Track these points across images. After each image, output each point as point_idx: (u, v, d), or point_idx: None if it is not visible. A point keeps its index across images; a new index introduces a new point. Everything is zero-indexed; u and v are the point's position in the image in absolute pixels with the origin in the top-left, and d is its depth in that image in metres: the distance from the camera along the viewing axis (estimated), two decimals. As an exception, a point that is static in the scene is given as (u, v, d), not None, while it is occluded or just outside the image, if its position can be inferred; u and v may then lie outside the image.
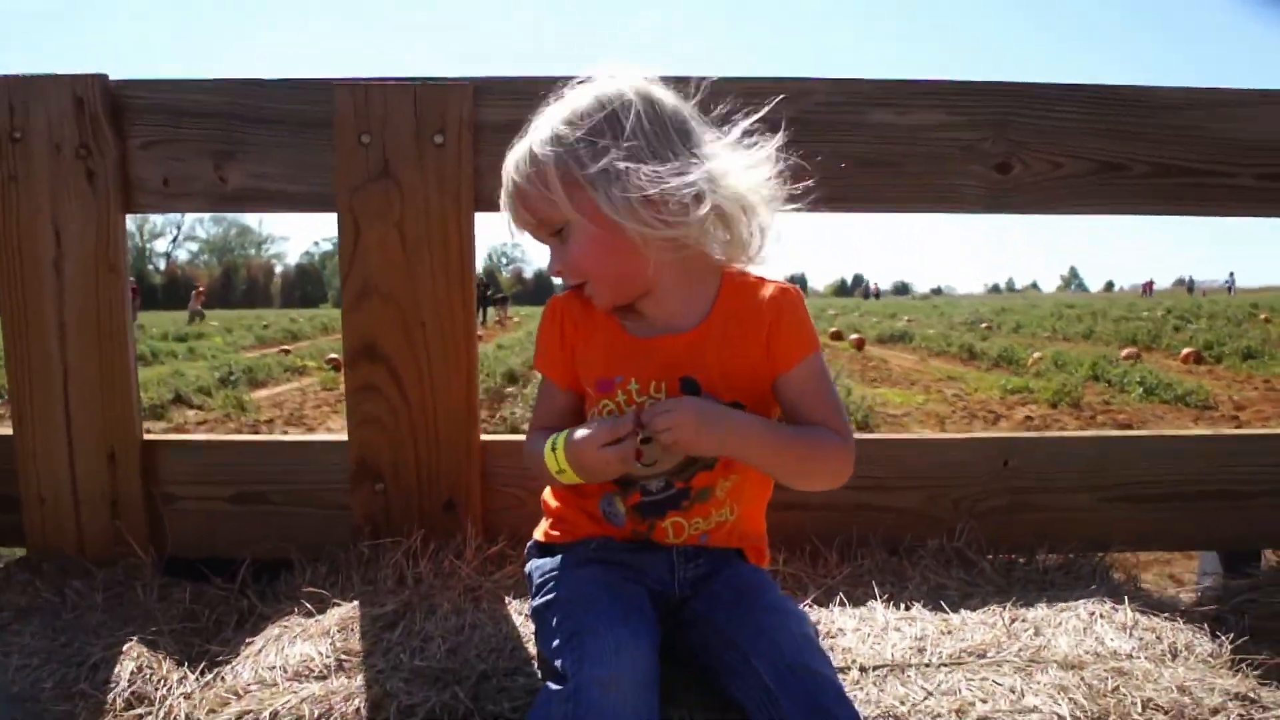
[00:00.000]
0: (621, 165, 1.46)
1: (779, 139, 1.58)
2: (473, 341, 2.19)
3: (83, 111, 2.17)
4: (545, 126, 1.53)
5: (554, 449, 1.53)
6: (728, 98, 1.59)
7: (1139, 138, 2.23)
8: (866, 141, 2.20)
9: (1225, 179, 2.25)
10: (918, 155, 2.21)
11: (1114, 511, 2.33)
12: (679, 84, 1.61)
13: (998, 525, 2.30)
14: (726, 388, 1.59)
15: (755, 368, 1.61)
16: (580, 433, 1.52)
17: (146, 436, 2.31)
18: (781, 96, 1.70)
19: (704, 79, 1.65)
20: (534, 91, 2.07)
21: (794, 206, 1.64)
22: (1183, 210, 2.29)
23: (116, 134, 2.19)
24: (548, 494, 1.78)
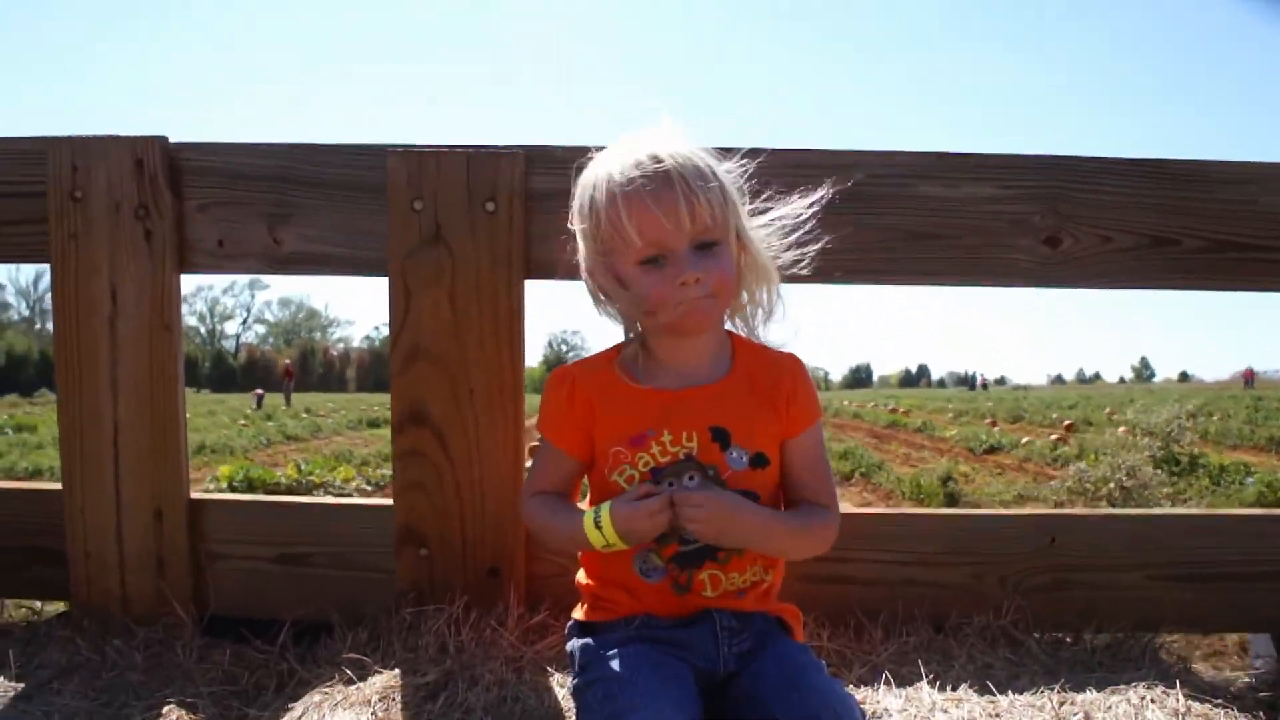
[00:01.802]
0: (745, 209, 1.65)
1: (799, 208, 1.73)
2: (520, 408, 2.19)
3: (142, 172, 2.21)
4: (693, 149, 1.58)
5: (598, 524, 1.55)
6: (776, 168, 1.62)
7: (1191, 212, 2.22)
8: (915, 214, 2.20)
9: (1278, 254, 2.23)
10: (966, 228, 2.21)
11: (1163, 591, 2.28)
12: (727, 153, 1.69)
13: (1044, 603, 2.26)
14: (749, 441, 1.64)
15: (770, 428, 1.68)
16: (626, 508, 1.55)
17: (193, 495, 2.32)
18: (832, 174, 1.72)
19: (757, 149, 1.70)
20: (586, 161, 2.10)
21: (845, 279, 1.70)
22: (1236, 286, 2.27)
23: (174, 195, 2.23)
24: (582, 575, 1.79)
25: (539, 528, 1.75)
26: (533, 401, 2.08)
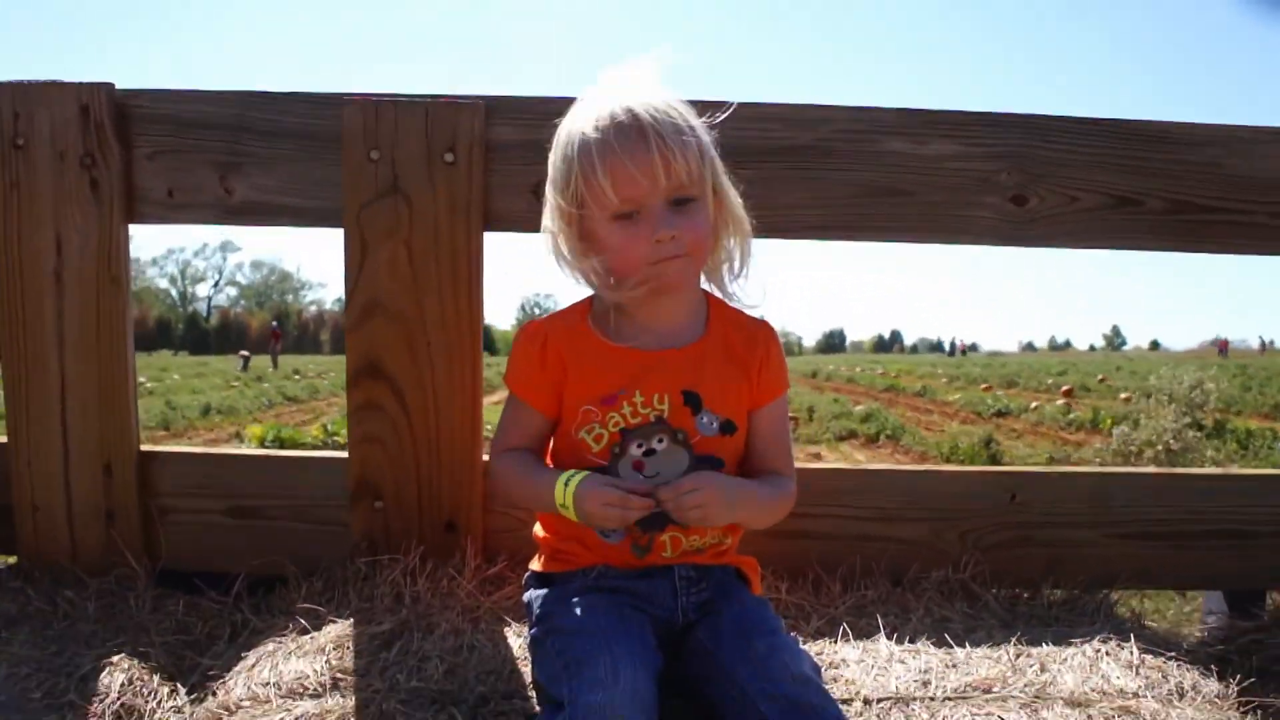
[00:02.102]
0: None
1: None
2: (478, 361, 2.17)
3: (88, 120, 2.15)
4: (669, 103, 1.54)
5: (566, 485, 1.54)
6: (745, 121, 1.59)
7: (1156, 173, 2.23)
8: (883, 170, 2.19)
9: (1241, 216, 2.24)
10: (934, 185, 2.21)
11: (1120, 548, 2.31)
12: (704, 108, 1.64)
13: (1003, 559, 2.28)
14: (720, 406, 1.64)
15: (741, 394, 1.68)
16: (597, 487, 1.53)
17: (143, 448, 2.28)
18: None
19: (725, 103, 1.67)
20: (546, 111, 2.07)
21: (808, 234, 1.68)
22: (1198, 248, 2.28)
23: (122, 143, 2.17)
24: (539, 528, 1.77)
25: (510, 484, 1.72)
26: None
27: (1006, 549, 2.29)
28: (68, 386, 2.21)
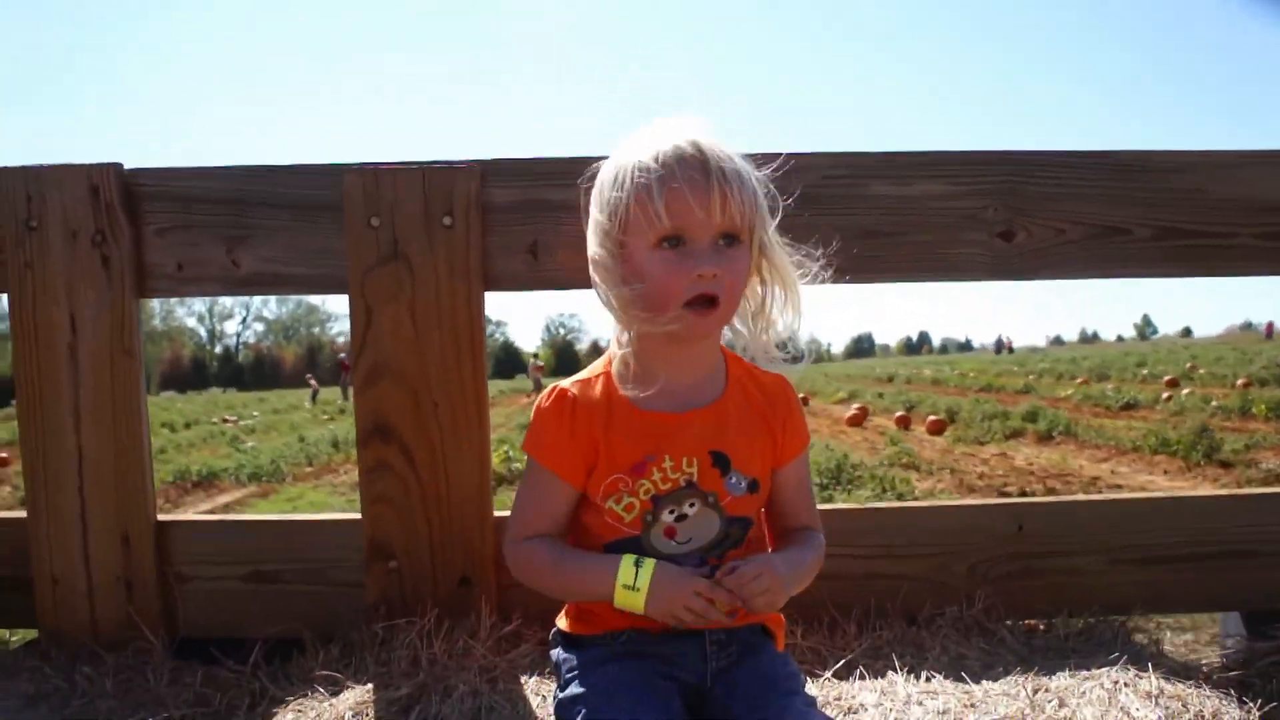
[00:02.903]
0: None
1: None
2: (485, 419, 2.20)
3: (98, 199, 2.21)
4: (727, 150, 1.52)
5: (638, 565, 1.50)
6: (756, 169, 1.60)
7: (1140, 202, 2.26)
8: (869, 214, 2.22)
9: (1226, 240, 2.27)
10: (921, 225, 2.24)
11: (1132, 574, 2.31)
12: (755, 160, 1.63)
13: (1015, 591, 2.28)
14: (746, 465, 1.61)
15: (765, 451, 1.65)
16: (674, 574, 1.50)
17: (160, 517, 2.31)
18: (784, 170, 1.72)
19: (775, 155, 1.68)
20: (540, 171, 2.12)
21: (802, 281, 1.67)
22: (1186, 272, 2.31)
23: (131, 221, 2.23)
24: None
25: (540, 573, 1.63)
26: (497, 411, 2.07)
27: (1017, 580, 2.29)
28: (84, 458, 2.24)
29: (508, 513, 1.99)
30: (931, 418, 14.02)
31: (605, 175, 1.57)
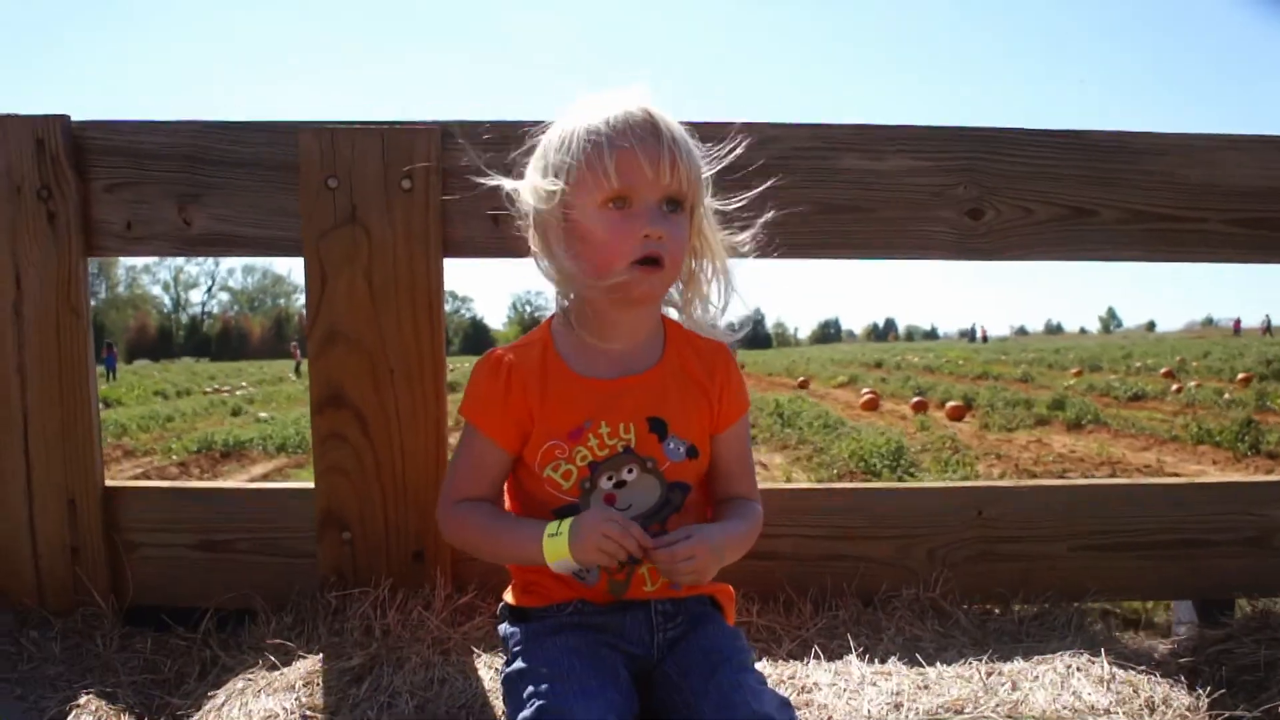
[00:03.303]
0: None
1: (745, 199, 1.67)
2: (442, 388, 2.16)
3: (44, 153, 2.13)
4: (671, 119, 1.52)
5: (556, 535, 1.49)
6: (698, 142, 1.58)
7: (1111, 183, 2.24)
8: (838, 187, 2.19)
9: (1195, 224, 2.26)
10: (890, 201, 2.21)
11: (1089, 561, 2.32)
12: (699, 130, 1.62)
13: (972, 575, 2.28)
14: (685, 430, 1.61)
15: (702, 417, 1.65)
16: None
17: (108, 483, 2.26)
18: (750, 140, 1.69)
19: (729, 124, 1.69)
20: (504, 135, 2.06)
21: (761, 254, 1.66)
22: (1155, 257, 2.30)
23: (79, 176, 2.15)
24: None
25: (471, 538, 1.64)
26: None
27: (975, 564, 2.29)
28: (30, 420, 2.19)
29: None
30: (951, 404, 14.13)
31: (551, 138, 1.56)
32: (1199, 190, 2.25)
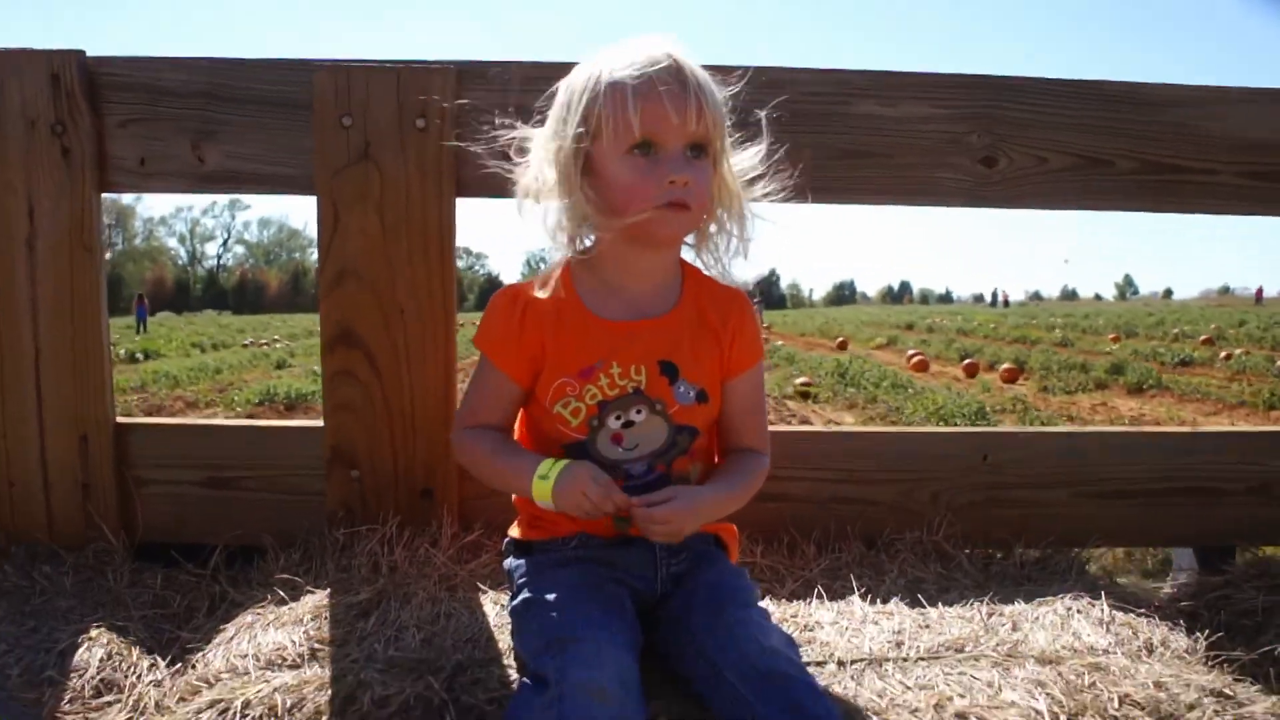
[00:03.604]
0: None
1: (761, 144, 1.65)
2: (452, 328, 2.17)
3: (59, 88, 2.13)
4: (696, 68, 1.52)
5: (545, 478, 1.51)
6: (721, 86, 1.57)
7: (1124, 134, 2.24)
8: (851, 133, 2.19)
9: (1208, 176, 2.26)
10: (903, 147, 2.21)
11: (1091, 507, 2.34)
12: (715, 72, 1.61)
13: (976, 520, 2.30)
14: (696, 375, 1.63)
15: (715, 364, 1.66)
16: (580, 472, 1.50)
17: (119, 419, 2.28)
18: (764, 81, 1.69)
19: (741, 69, 1.66)
20: (520, 75, 2.05)
21: (777, 197, 1.66)
22: (1166, 208, 2.30)
23: (93, 111, 2.15)
24: None
25: (477, 462, 1.68)
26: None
27: (979, 509, 2.31)
28: (42, 356, 2.20)
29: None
30: (1004, 366, 14.19)
31: (574, 83, 1.55)
32: (1211, 142, 2.25)
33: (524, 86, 2.07)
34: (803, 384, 12.20)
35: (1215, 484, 2.36)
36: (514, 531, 1.74)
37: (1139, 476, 2.35)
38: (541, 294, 1.62)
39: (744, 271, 1.69)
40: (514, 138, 1.65)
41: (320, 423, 2.22)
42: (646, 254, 1.60)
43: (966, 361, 15.14)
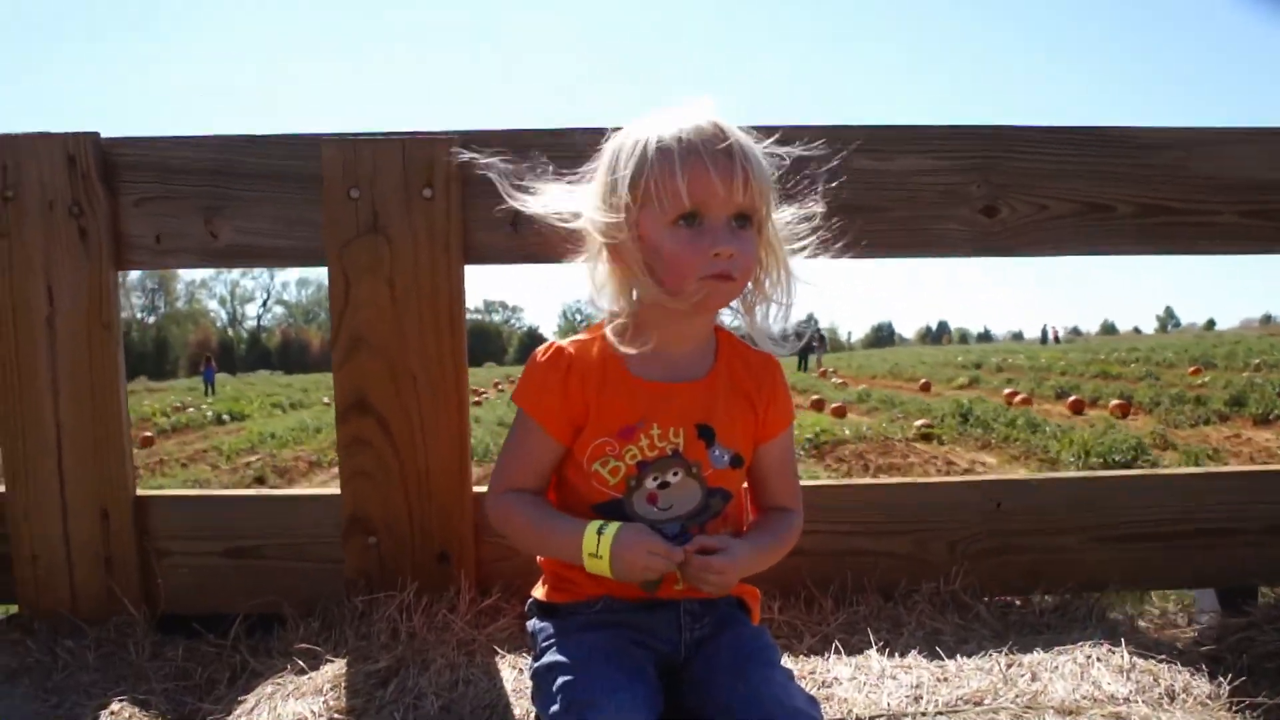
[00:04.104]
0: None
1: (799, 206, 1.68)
2: (464, 393, 2.19)
3: (75, 169, 2.18)
4: (741, 132, 1.51)
5: (599, 533, 1.49)
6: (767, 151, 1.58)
7: (1124, 178, 2.25)
8: (852, 188, 2.20)
9: (1210, 217, 2.27)
10: (904, 200, 2.23)
11: (1108, 551, 2.32)
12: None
13: (992, 568, 2.29)
14: (730, 439, 1.62)
15: (748, 428, 1.66)
16: (635, 535, 1.49)
17: (139, 493, 2.30)
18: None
19: (775, 128, 1.66)
20: (522, 142, 2.09)
21: (811, 254, 1.68)
22: (1169, 249, 2.31)
23: (108, 191, 2.21)
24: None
25: (518, 528, 1.64)
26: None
27: (994, 557, 2.30)
28: (63, 433, 2.23)
29: (486, 489, 1.99)
30: (1115, 402, 14.18)
31: (622, 149, 1.54)
32: (1210, 183, 2.26)
33: (527, 151, 2.11)
34: (923, 426, 12.15)
35: (1232, 524, 2.35)
36: (538, 593, 1.72)
37: (1155, 519, 2.34)
38: (585, 351, 1.62)
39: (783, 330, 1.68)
40: (530, 199, 1.66)
41: (337, 490, 2.23)
42: (689, 319, 1.60)
43: (1072, 399, 15.03)
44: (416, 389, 2.16)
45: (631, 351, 1.58)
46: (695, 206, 1.48)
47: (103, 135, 2.22)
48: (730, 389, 1.65)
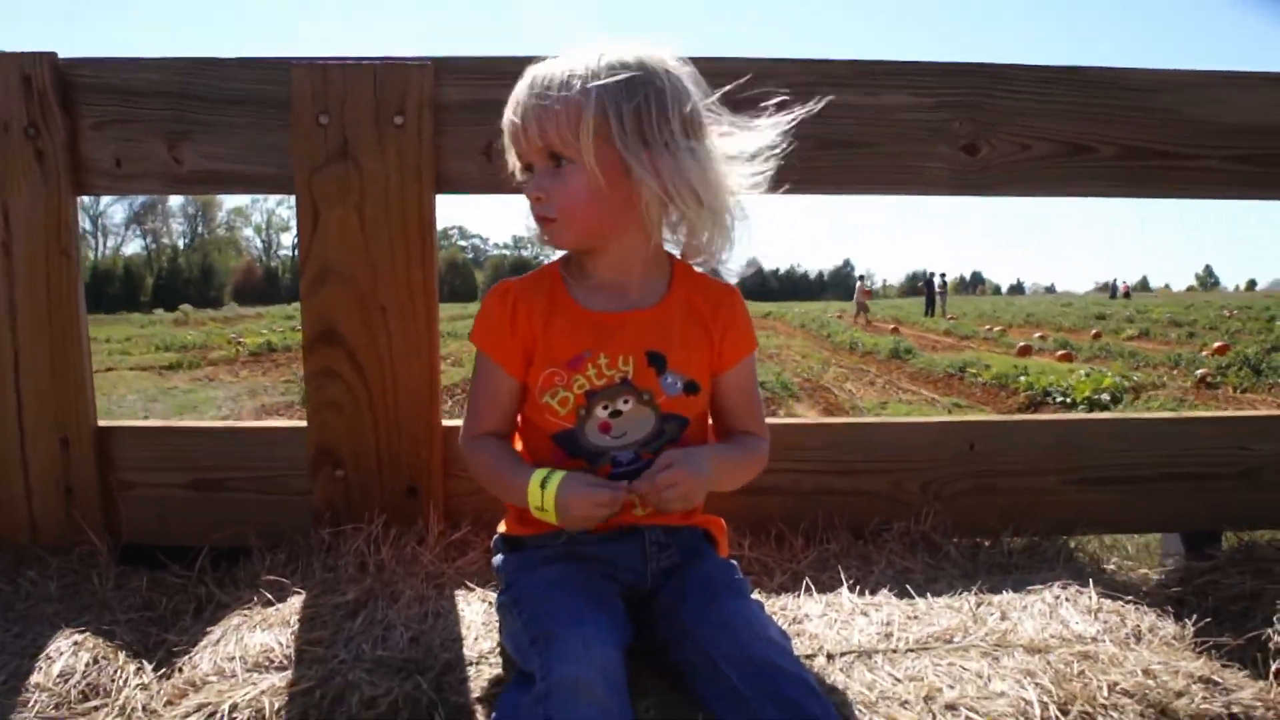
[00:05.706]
0: (659, 132, 1.48)
1: (770, 130, 1.63)
2: (434, 325, 2.16)
3: (31, 90, 2.11)
4: (585, 62, 1.47)
5: (543, 486, 1.49)
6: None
7: (1107, 120, 2.23)
8: (834, 123, 2.17)
9: (1193, 161, 2.26)
10: (886, 136, 2.20)
11: (1078, 494, 2.34)
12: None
13: (963, 509, 2.31)
14: (685, 366, 1.62)
15: (704, 355, 1.66)
16: (577, 488, 1.48)
17: (101, 423, 2.26)
18: (749, 75, 1.68)
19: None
20: (496, 70, 2.04)
21: (764, 189, 1.65)
22: (1151, 193, 2.30)
23: (66, 113, 2.13)
24: None
25: (485, 477, 1.67)
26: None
27: (966, 498, 2.31)
28: (21, 360, 2.18)
29: (455, 422, 1.98)
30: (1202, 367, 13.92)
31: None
32: (1195, 127, 2.24)
33: (505, 80, 2.05)
34: (1205, 375, 12.21)
35: (1200, 469, 2.37)
36: (503, 527, 1.74)
37: (1125, 463, 2.36)
38: (532, 286, 1.64)
39: (734, 265, 1.67)
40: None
41: (304, 423, 2.20)
42: (599, 257, 1.62)
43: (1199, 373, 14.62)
44: (386, 320, 2.13)
45: (576, 289, 1.62)
46: (519, 156, 1.55)
47: (60, 55, 2.14)
48: (686, 316, 1.65)
